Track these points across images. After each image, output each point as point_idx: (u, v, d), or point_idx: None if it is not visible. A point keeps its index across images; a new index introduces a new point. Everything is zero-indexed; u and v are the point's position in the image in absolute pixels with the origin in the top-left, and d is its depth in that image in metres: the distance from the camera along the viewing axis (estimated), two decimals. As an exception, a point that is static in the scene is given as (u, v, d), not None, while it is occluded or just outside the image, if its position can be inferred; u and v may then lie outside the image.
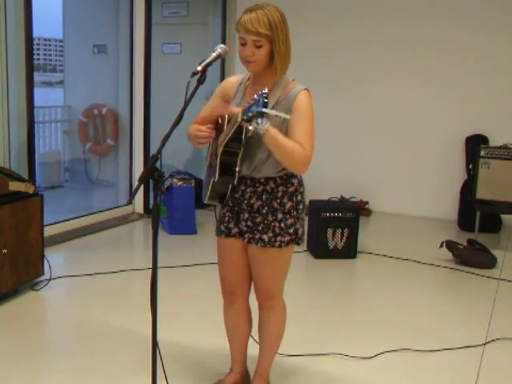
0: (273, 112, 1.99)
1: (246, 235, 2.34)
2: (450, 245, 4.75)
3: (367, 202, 6.46)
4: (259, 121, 2.02)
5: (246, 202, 2.32)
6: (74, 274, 4.13)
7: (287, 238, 2.31)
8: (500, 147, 5.35)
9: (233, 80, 2.43)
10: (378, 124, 6.48)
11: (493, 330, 3.42)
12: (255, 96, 2.00)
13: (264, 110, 1.96)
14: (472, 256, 4.68)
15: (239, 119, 2.05)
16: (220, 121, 2.37)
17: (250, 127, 2.05)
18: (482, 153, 5.30)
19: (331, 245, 4.77)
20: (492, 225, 5.82)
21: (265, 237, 2.29)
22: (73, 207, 6.27)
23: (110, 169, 7.08)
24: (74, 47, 7.56)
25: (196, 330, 3.32)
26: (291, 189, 2.31)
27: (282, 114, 2.01)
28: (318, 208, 4.82)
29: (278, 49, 2.16)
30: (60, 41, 8.97)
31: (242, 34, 2.17)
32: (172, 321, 3.30)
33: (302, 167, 2.21)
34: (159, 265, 2.04)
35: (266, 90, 2.00)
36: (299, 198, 2.34)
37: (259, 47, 2.15)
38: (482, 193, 5.29)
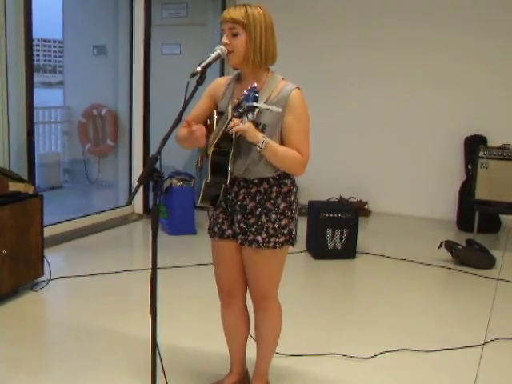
0: (264, 106, 2.00)
1: (239, 237, 2.33)
2: (449, 245, 4.75)
3: (366, 203, 6.46)
4: (250, 116, 2.00)
5: (239, 203, 2.31)
6: (74, 275, 4.14)
7: (282, 238, 2.30)
8: (499, 147, 5.36)
9: (221, 80, 2.42)
10: (377, 124, 6.49)
11: (492, 330, 3.43)
12: (245, 91, 2.00)
13: (255, 104, 1.96)
14: (471, 256, 4.68)
15: (230, 116, 2.03)
16: (208, 122, 2.35)
17: (243, 126, 2.03)
18: (481, 153, 5.30)
19: (330, 245, 4.78)
20: (491, 225, 5.83)
21: (259, 238, 2.28)
22: (72, 208, 6.27)
23: (109, 169, 7.07)
24: (73, 48, 7.56)
25: (196, 330, 3.32)
26: (285, 189, 2.30)
27: (273, 108, 2.01)
28: (317, 208, 4.82)
29: (253, 38, 2.16)
30: (60, 42, 8.97)
31: (222, 26, 2.20)
32: (172, 321, 3.30)
33: (300, 171, 2.25)
34: (159, 265, 2.05)
35: (256, 85, 2.01)
36: (293, 198, 2.33)
37: (235, 35, 2.17)
38: (481, 193, 5.29)
